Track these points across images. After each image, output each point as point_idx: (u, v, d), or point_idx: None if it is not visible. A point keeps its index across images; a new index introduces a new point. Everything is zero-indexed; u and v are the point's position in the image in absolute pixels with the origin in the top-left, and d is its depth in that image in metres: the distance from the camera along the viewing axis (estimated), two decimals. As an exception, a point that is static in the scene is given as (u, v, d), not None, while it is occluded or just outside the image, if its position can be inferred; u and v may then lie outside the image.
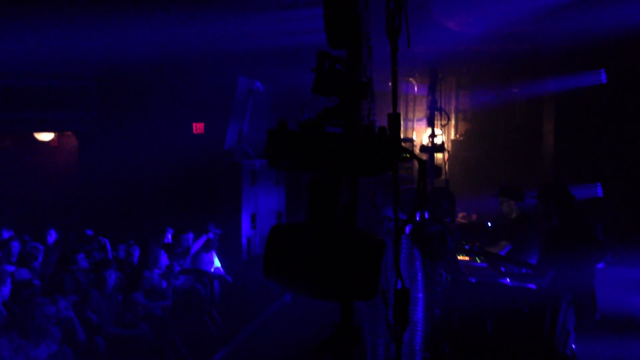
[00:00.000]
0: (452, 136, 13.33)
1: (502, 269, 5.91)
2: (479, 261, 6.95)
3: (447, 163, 10.70)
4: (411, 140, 12.42)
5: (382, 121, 2.51)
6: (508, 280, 6.06)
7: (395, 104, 2.65)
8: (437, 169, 9.03)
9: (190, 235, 9.53)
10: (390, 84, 2.53)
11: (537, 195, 5.58)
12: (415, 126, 13.07)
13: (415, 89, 12.68)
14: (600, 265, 5.92)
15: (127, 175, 11.38)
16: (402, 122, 12.37)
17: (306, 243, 2.31)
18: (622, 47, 9.09)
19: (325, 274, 2.26)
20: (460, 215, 11.12)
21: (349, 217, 2.37)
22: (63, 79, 11.47)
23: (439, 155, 9.18)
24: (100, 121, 11.76)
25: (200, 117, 11.78)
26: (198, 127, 11.89)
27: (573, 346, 4.29)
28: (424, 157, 8.71)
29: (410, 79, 12.31)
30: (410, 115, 12.63)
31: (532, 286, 5.31)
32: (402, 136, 12.42)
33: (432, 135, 8.98)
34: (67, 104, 11.51)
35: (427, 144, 9.09)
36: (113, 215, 11.01)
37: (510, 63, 10.90)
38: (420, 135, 12.78)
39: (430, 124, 9.03)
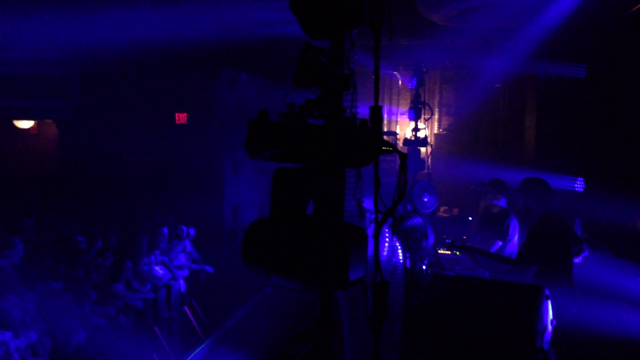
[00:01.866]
0: (436, 130, 13.38)
1: (482, 263, 5.96)
2: (459, 254, 7.00)
3: (430, 157, 10.75)
4: (395, 134, 12.44)
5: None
6: (487, 274, 6.11)
7: (377, 97, 2.64)
8: (421, 162, 9.06)
9: (165, 230, 9.48)
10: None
11: (518, 189, 5.61)
12: (399, 119, 13.09)
13: (400, 82, 12.69)
14: (578, 260, 5.98)
15: (108, 164, 11.28)
16: (385, 115, 12.40)
17: (270, 234, 2.29)
18: (603, 41, 9.16)
19: (293, 264, 2.24)
20: (442, 209, 11.18)
21: (329, 209, 2.36)
22: (43, 66, 11.29)
23: (422, 149, 9.19)
24: (81, 109, 11.61)
25: (183, 107, 11.69)
26: (181, 117, 11.81)
27: (550, 340, 4.33)
28: (405, 150, 8.73)
29: (395, 72, 12.32)
30: (394, 108, 12.65)
31: (512, 280, 5.35)
32: (385, 129, 12.47)
33: (416, 129, 9.00)
34: (48, 91, 11.34)
35: (411, 138, 9.11)
36: (93, 204, 10.90)
37: (493, 57, 10.94)
38: (404, 128, 12.81)
39: (414, 117, 9.05)
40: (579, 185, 8.79)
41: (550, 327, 4.34)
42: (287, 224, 2.30)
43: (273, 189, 2.35)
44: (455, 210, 11.45)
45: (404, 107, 12.46)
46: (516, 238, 6.85)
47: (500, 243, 6.80)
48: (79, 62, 11.47)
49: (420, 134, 9.14)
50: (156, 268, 8.31)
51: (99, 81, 11.40)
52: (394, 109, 12.63)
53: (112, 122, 11.44)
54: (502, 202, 7.04)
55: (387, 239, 4.84)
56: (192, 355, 7.25)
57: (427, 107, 9.32)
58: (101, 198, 11.03)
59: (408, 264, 5.19)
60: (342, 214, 2.38)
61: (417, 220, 5.38)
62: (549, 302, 4.39)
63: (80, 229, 8.92)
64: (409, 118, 9.08)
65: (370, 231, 2.68)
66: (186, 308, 8.43)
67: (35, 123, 12.67)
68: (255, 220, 2.43)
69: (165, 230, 9.34)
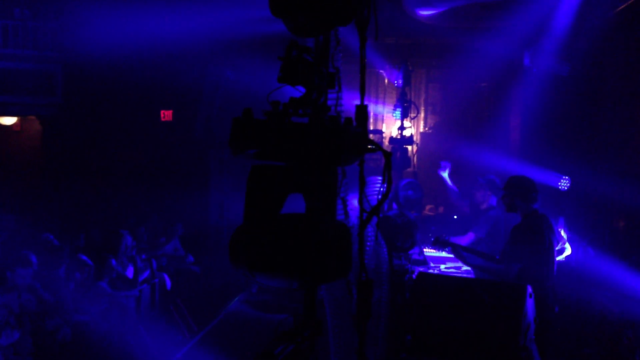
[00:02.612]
0: (421, 129, 13.41)
1: (467, 260, 5.99)
2: (444, 253, 7.03)
3: (415, 155, 10.77)
4: (381, 132, 12.45)
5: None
6: (472, 271, 6.14)
7: (362, 95, 2.64)
8: (407, 160, 9.09)
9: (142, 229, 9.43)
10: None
11: (504, 187, 5.64)
12: (384, 118, 13.11)
13: (386, 81, 12.70)
14: (561, 260, 6.04)
15: (92, 161, 11.19)
16: (371, 114, 12.40)
17: (251, 233, 2.29)
18: (586, 39, 9.24)
19: (274, 260, 2.24)
20: (428, 207, 11.21)
21: (319, 206, 2.35)
22: (26, 62, 11.17)
23: (408, 148, 9.21)
24: (64, 106, 11.50)
25: (168, 105, 11.62)
26: (166, 115, 11.74)
27: (532, 337, 4.37)
28: (390, 149, 8.76)
29: (381, 71, 12.33)
30: (380, 107, 12.66)
31: (496, 279, 5.38)
32: (371, 128, 12.47)
33: (402, 128, 9.02)
34: (31, 88, 11.23)
35: (397, 136, 9.13)
36: (77, 201, 10.82)
37: (477, 56, 10.99)
38: (390, 127, 12.83)
39: (400, 116, 9.07)
40: (564, 183, 8.85)
41: (533, 325, 4.37)
42: (266, 222, 2.29)
43: (249, 186, 2.34)
44: (441, 209, 11.49)
45: (390, 105, 12.48)
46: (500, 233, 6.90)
47: (473, 235, 6.87)
48: (62, 58, 11.36)
49: (406, 133, 9.17)
50: (131, 268, 8.21)
51: (83, 77, 11.29)
52: (381, 105, 12.63)
53: (96, 119, 11.35)
54: (492, 200, 7.10)
55: (372, 238, 4.85)
56: (177, 353, 7.21)
57: (413, 106, 9.35)
58: (85, 195, 10.94)
59: (393, 263, 5.20)
60: (334, 212, 2.37)
61: (402, 219, 5.40)
62: (533, 301, 4.43)
63: (62, 226, 8.85)
64: (393, 110, 9.11)
65: (354, 230, 2.69)
66: (171, 306, 8.40)
67: (18, 119, 12.55)
68: (241, 224, 2.42)
69: (143, 229, 9.30)
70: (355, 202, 2.59)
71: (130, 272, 8.02)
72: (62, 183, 11.24)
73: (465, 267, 6.23)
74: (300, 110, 2.44)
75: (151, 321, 7.89)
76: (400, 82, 9.15)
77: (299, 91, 2.48)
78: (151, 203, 10.39)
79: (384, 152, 2.49)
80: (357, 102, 2.60)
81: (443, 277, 5.58)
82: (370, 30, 2.63)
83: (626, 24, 8.60)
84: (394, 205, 6.58)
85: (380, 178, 2.50)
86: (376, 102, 12.59)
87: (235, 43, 10.72)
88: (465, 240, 6.71)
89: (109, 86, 11.14)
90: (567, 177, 8.87)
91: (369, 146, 2.49)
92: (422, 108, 13.15)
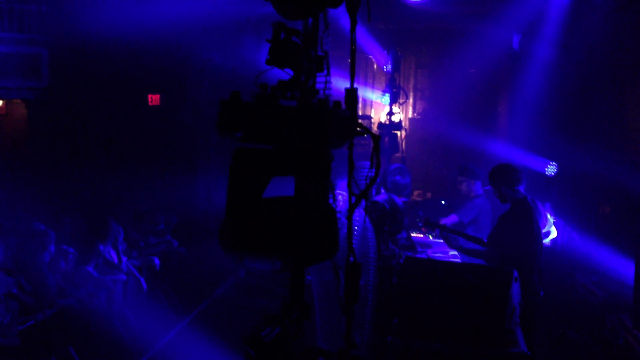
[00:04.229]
0: (410, 114, 13.42)
1: (453, 242, 6.04)
2: (432, 238, 7.08)
3: (404, 141, 10.78)
4: (369, 118, 12.46)
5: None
6: (458, 255, 6.19)
7: (352, 79, 2.63)
8: (395, 146, 9.11)
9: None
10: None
11: (490, 178, 5.67)
12: (373, 104, 13.10)
13: (375, 66, 12.68)
14: (547, 242, 6.09)
15: (78, 146, 11.10)
16: (360, 99, 12.35)
17: (230, 216, 2.29)
18: (574, 23, 9.26)
19: (260, 241, 2.24)
20: (416, 192, 11.26)
21: (307, 190, 2.34)
22: (12, 44, 11.01)
23: (396, 133, 9.23)
24: (50, 90, 11.36)
25: (156, 89, 11.52)
26: (154, 99, 11.64)
27: (517, 321, 4.42)
28: (378, 133, 8.77)
29: (370, 56, 12.29)
30: (369, 92, 12.64)
31: (482, 262, 5.43)
32: (360, 113, 12.45)
33: (390, 113, 9.03)
34: (16, 70, 11.08)
35: (385, 122, 9.13)
36: (62, 186, 10.73)
37: (467, 42, 10.99)
38: (379, 113, 12.82)
39: (389, 101, 9.08)
40: (552, 169, 8.92)
41: (518, 309, 4.42)
42: (249, 205, 2.28)
43: (232, 168, 2.33)
44: (429, 194, 11.55)
45: (379, 90, 12.47)
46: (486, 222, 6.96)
47: (456, 217, 6.92)
48: (49, 41, 11.20)
49: (395, 118, 9.18)
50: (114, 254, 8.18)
51: (69, 61, 11.15)
52: (370, 90, 12.61)
53: (82, 103, 11.23)
54: (477, 187, 7.14)
55: (359, 222, 4.86)
56: (164, 337, 7.22)
57: (402, 92, 9.35)
58: (71, 180, 10.86)
59: (381, 247, 5.22)
60: (324, 196, 2.36)
61: (390, 205, 5.42)
62: (518, 285, 4.47)
63: (47, 210, 8.79)
64: (382, 95, 9.11)
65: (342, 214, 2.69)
66: (159, 290, 8.39)
67: (3, 103, 12.40)
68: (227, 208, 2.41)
69: (132, 214, 9.26)
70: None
71: (116, 257, 8.00)
72: (48, 167, 11.14)
73: (452, 252, 6.28)
74: (288, 93, 2.43)
75: (139, 305, 7.89)
76: (389, 67, 9.15)
77: (287, 74, 2.46)
78: (138, 188, 10.32)
79: (373, 135, 2.48)
80: (347, 86, 2.59)
81: (430, 262, 5.62)
82: (361, 13, 2.62)
83: (616, 10, 8.61)
84: (382, 190, 6.60)
85: (369, 163, 2.50)
86: (365, 85, 12.57)
87: (224, 26, 10.63)
88: (447, 221, 6.77)
89: (96, 70, 11.02)
90: (554, 163, 8.93)
91: (358, 129, 2.48)
92: (411, 94, 13.16)
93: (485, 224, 6.89)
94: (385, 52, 9.48)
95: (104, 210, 9.15)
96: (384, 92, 9.25)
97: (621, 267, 6.95)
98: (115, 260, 7.88)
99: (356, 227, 4.81)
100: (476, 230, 6.79)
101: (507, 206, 5.61)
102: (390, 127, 8.99)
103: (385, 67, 9.45)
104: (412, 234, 6.88)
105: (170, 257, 9.33)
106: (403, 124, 10.58)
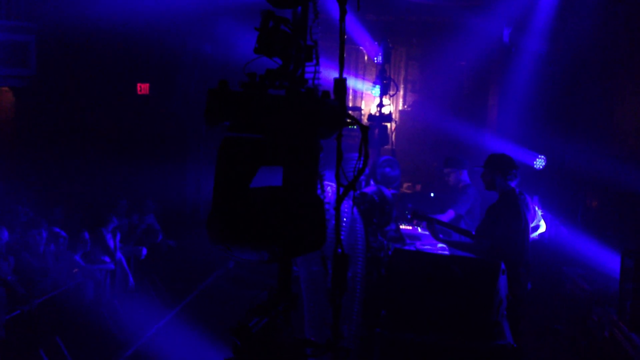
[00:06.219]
0: (400, 106, 13.41)
1: (441, 236, 6.04)
2: (420, 230, 7.09)
3: (394, 133, 10.78)
4: (359, 109, 12.43)
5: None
6: (446, 247, 6.20)
7: (341, 68, 2.61)
8: (385, 138, 9.09)
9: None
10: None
11: (484, 165, 5.66)
12: (364, 95, 13.08)
13: (365, 57, 12.64)
14: (535, 236, 6.11)
15: (66, 134, 11.00)
16: (350, 90, 12.32)
17: (218, 205, 2.27)
18: (564, 17, 9.28)
19: (247, 232, 2.23)
20: (405, 185, 11.28)
21: (294, 180, 2.33)
22: (-1, 31, 10.88)
23: (386, 125, 9.22)
24: (38, 78, 11.24)
25: (145, 78, 11.42)
26: (143, 88, 11.54)
27: (504, 313, 4.44)
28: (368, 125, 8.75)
29: (361, 47, 12.26)
30: (360, 83, 12.61)
31: (470, 255, 5.44)
32: (350, 104, 12.43)
33: (380, 105, 9.01)
34: (3, 59, 10.93)
35: (375, 114, 9.11)
36: (51, 174, 10.65)
37: (457, 34, 10.99)
38: (369, 104, 12.80)
39: (379, 93, 9.05)
40: (540, 162, 8.95)
41: (505, 302, 4.44)
42: (237, 194, 2.27)
43: (220, 157, 2.31)
44: (418, 187, 11.57)
45: (370, 82, 12.46)
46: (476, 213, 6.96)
47: (453, 212, 6.92)
48: (37, 28, 11.06)
49: (385, 110, 9.16)
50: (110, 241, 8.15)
51: (57, 49, 11.03)
52: (360, 81, 12.58)
53: (71, 91, 11.13)
54: (464, 177, 7.15)
55: (348, 213, 4.85)
56: (152, 327, 7.21)
57: (392, 83, 9.33)
58: (59, 169, 10.77)
59: (369, 239, 5.22)
60: (312, 186, 2.35)
61: (379, 197, 5.41)
62: (506, 278, 4.49)
63: (37, 199, 8.73)
64: (372, 87, 9.08)
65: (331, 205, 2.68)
66: (147, 281, 8.37)
67: (-10, 90, 12.26)
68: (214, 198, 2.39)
69: (124, 202, 9.20)
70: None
71: (112, 244, 7.97)
72: (36, 156, 11.04)
73: (440, 244, 6.29)
74: (277, 82, 2.41)
75: (127, 296, 7.86)
76: (380, 59, 9.12)
77: (276, 63, 2.44)
78: (127, 177, 10.26)
79: (361, 126, 2.47)
80: (336, 76, 2.57)
81: (418, 254, 5.62)
82: (351, 3, 2.60)
83: (605, 4, 8.64)
84: (372, 182, 6.59)
85: (357, 154, 2.49)
86: (356, 77, 12.54)
87: (214, 15, 10.55)
88: (445, 218, 6.75)
89: (84, 58, 10.91)
90: (543, 156, 8.95)
91: (347, 120, 2.47)
92: (402, 86, 13.14)
93: (478, 214, 6.91)
94: (376, 43, 9.45)
95: (92, 198, 9.10)
96: (375, 83, 9.23)
97: (608, 260, 7.00)
98: (112, 246, 7.86)
99: (344, 219, 4.80)
100: (472, 221, 6.79)
101: (495, 197, 5.61)
102: (380, 119, 8.97)
103: (375, 58, 9.42)
104: (400, 226, 6.88)
105: (159, 248, 9.30)
106: (393, 116, 10.56)
